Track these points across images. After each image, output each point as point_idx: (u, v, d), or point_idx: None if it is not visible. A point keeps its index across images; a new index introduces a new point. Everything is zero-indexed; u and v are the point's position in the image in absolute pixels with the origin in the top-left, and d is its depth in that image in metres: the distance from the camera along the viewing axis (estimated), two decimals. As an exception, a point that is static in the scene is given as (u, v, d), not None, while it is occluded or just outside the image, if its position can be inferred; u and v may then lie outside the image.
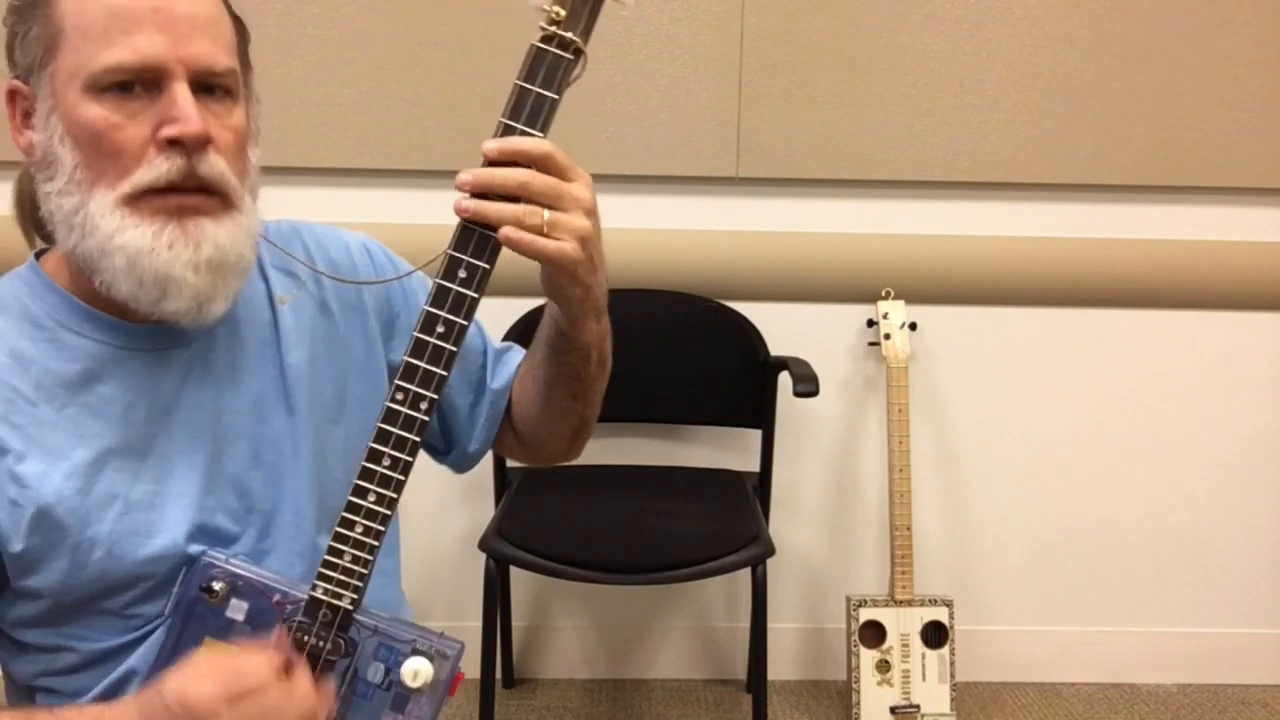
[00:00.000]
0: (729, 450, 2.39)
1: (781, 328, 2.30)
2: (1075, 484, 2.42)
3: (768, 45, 2.20)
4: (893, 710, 2.23)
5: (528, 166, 0.88)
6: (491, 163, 0.89)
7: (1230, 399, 2.39)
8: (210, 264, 0.90)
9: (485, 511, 2.22)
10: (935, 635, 2.25)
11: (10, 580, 0.93)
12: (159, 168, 0.87)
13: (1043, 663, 2.49)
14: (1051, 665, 2.49)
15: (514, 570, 2.29)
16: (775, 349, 2.28)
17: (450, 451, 1.21)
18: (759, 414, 2.28)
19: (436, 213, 2.23)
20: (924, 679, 2.24)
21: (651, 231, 2.27)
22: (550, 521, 2.05)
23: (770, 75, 2.21)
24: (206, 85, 0.90)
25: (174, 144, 0.88)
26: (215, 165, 0.90)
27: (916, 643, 2.24)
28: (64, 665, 0.97)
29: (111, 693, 0.97)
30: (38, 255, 0.99)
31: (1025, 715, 2.38)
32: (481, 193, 0.88)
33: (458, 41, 2.18)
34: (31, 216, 0.98)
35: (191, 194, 0.89)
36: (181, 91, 0.88)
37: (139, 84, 0.87)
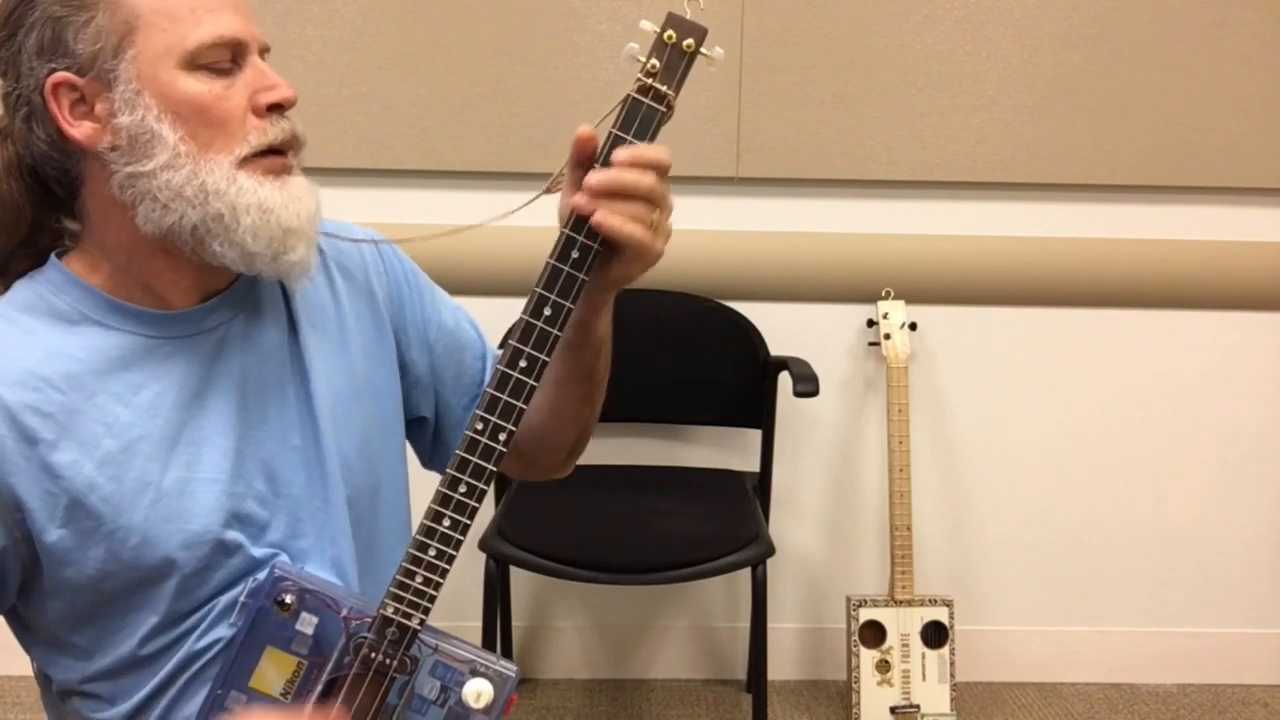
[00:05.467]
0: (729, 450, 2.39)
1: (781, 328, 2.30)
2: (1075, 484, 2.42)
3: (768, 45, 2.20)
4: (893, 710, 2.23)
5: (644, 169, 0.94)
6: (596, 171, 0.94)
7: (1230, 399, 2.39)
8: (314, 216, 0.98)
9: (485, 511, 2.22)
10: (935, 635, 2.25)
11: (45, 571, 0.94)
12: (272, 130, 0.95)
13: (1043, 663, 2.49)
14: (1051, 665, 2.49)
15: (514, 570, 2.29)
16: (775, 349, 2.28)
17: (436, 456, 1.22)
18: (759, 414, 2.28)
19: (437, 213, 2.25)
20: (924, 679, 2.24)
21: (651, 231, 2.26)
22: (550, 521, 2.05)
23: (770, 75, 2.21)
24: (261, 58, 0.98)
25: (274, 109, 0.95)
26: (300, 125, 0.98)
27: (916, 643, 2.24)
28: (104, 668, 0.98)
29: (153, 697, 0.98)
30: (59, 255, 1.00)
31: (1025, 715, 2.38)
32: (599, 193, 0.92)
33: (458, 41, 2.18)
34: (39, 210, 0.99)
35: (286, 156, 0.97)
36: (263, 63, 0.96)
37: (231, 58, 0.94)
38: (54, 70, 0.91)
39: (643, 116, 0.94)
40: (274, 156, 0.96)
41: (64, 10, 0.90)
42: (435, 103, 2.20)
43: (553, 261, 0.93)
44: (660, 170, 0.94)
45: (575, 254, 0.93)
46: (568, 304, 0.94)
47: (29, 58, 0.91)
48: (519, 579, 2.40)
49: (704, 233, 2.29)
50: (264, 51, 0.98)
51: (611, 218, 0.91)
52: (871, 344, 2.33)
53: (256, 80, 0.95)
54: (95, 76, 0.91)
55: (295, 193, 0.96)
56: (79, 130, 0.92)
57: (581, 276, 0.93)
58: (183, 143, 0.91)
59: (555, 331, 0.94)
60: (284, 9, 2.15)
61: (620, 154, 0.93)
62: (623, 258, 0.96)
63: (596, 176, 0.92)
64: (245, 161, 0.94)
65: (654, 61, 0.93)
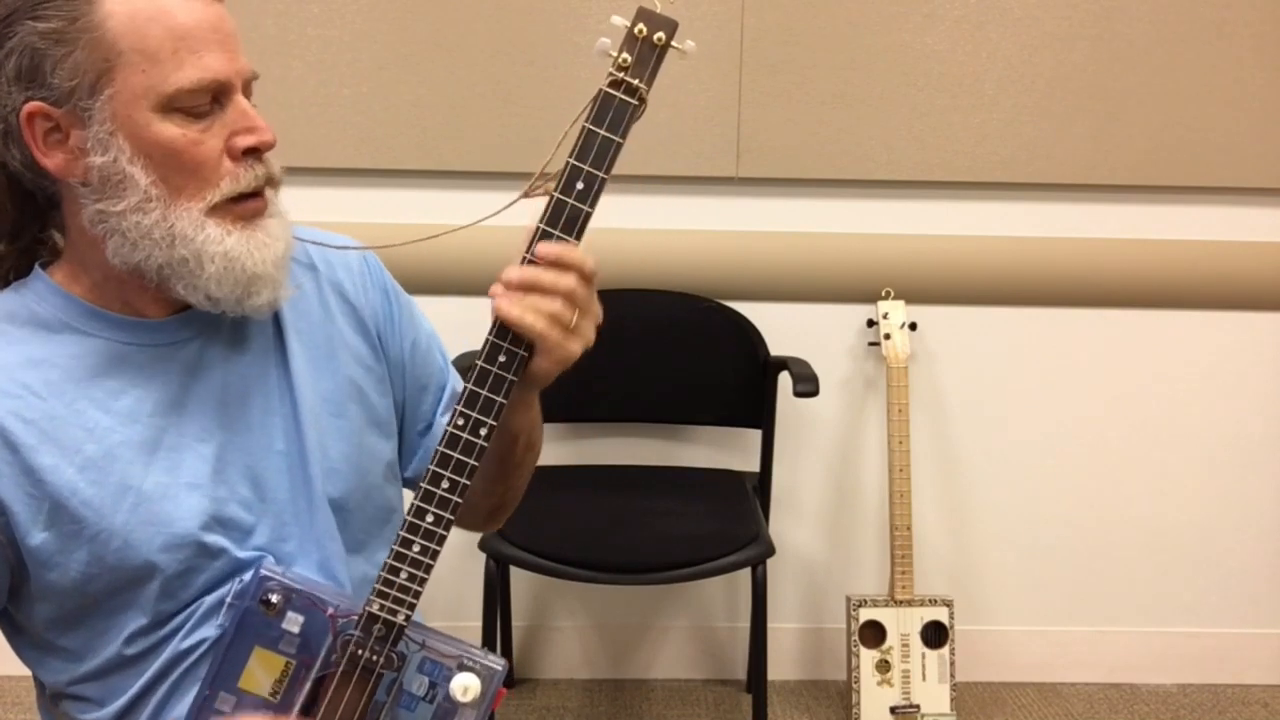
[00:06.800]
0: (729, 450, 2.39)
1: (781, 328, 2.30)
2: (1075, 484, 2.42)
3: (768, 45, 2.20)
4: (893, 710, 2.23)
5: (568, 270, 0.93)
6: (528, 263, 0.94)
7: (1230, 399, 2.39)
8: (282, 259, 0.97)
9: (485, 511, 2.22)
10: (935, 635, 2.25)
11: (30, 575, 0.94)
12: (245, 177, 0.94)
13: (1043, 663, 2.49)
14: (1051, 665, 2.49)
15: (514, 570, 2.29)
16: (775, 349, 2.28)
17: None
18: (759, 414, 2.28)
19: (437, 213, 2.25)
20: (924, 679, 2.24)
21: (651, 231, 2.27)
22: (550, 521, 2.05)
23: (770, 75, 2.21)
24: (245, 91, 0.96)
25: (250, 152, 0.94)
26: (276, 166, 0.97)
27: (916, 643, 2.24)
28: (91, 669, 0.98)
29: (141, 698, 0.98)
30: (43, 266, 1.00)
31: (1025, 715, 2.38)
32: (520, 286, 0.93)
33: (458, 41, 2.18)
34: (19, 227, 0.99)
35: (261, 198, 0.96)
36: (245, 103, 0.94)
37: (212, 98, 0.92)
38: (30, 99, 0.89)
39: (615, 111, 0.94)
40: (248, 201, 0.95)
41: (43, 43, 0.88)
42: (435, 103, 2.20)
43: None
44: (582, 274, 0.94)
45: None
46: (521, 351, 0.94)
47: (7, 81, 0.90)
48: (519, 579, 2.40)
49: (704, 233, 2.29)
50: (251, 81, 0.96)
51: (513, 308, 0.92)
52: (871, 344, 2.33)
53: (236, 121, 0.93)
54: (71, 110, 0.90)
55: (263, 238, 0.95)
56: (52, 160, 0.91)
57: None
58: (154, 186, 0.91)
59: (522, 352, 0.95)
60: (284, 9, 2.15)
61: (543, 249, 0.93)
62: (537, 354, 0.95)
63: (515, 272, 0.93)
64: (216, 209, 0.93)
65: (625, 55, 0.94)
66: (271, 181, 0.97)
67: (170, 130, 0.90)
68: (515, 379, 0.94)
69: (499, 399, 0.95)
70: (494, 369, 0.94)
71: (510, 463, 1.10)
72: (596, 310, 0.97)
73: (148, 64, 0.88)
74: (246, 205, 0.95)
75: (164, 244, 0.92)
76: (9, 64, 0.89)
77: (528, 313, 0.92)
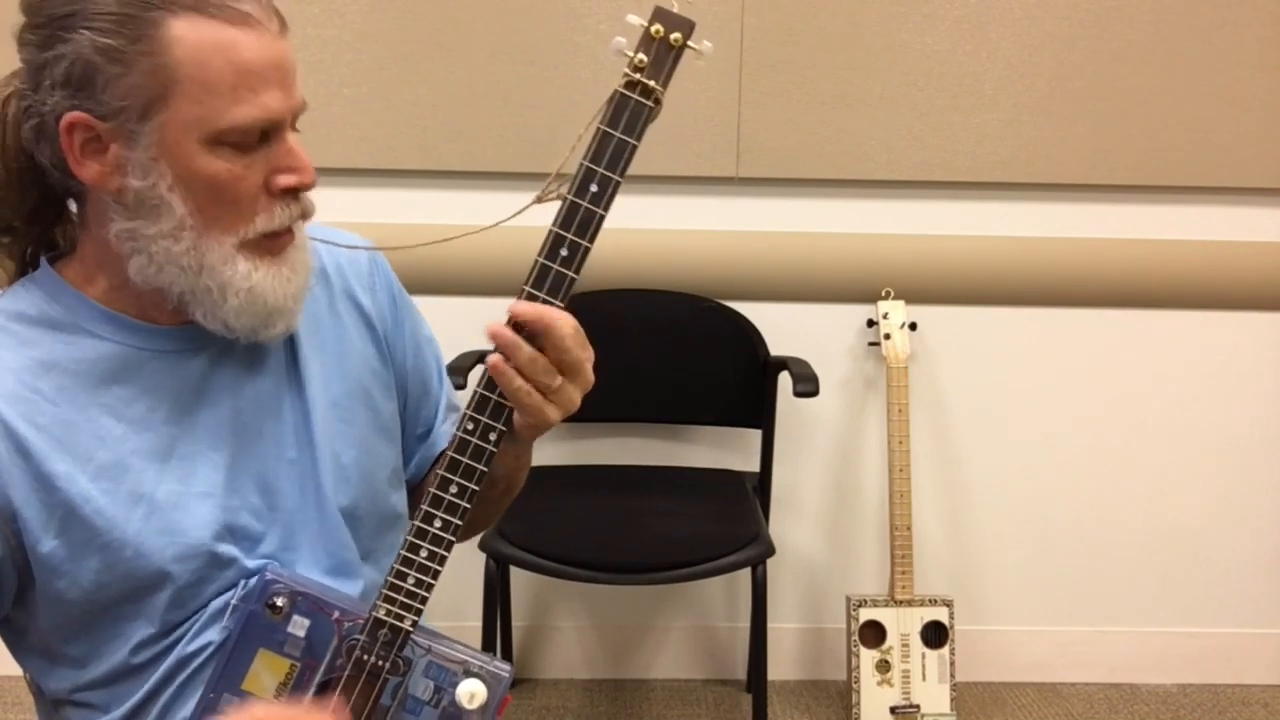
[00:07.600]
0: (729, 450, 2.39)
1: (781, 328, 2.30)
2: (1075, 484, 2.42)
3: (768, 45, 2.20)
4: (893, 710, 2.23)
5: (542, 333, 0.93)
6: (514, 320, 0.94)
7: (1230, 399, 2.39)
8: (301, 292, 0.97)
9: (485, 511, 2.22)
10: (935, 635, 2.25)
11: (38, 582, 0.93)
12: (280, 215, 0.92)
13: (1043, 663, 2.49)
14: (1051, 665, 2.49)
15: (514, 570, 2.29)
16: (775, 349, 2.28)
17: None
18: (759, 414, 2.28)
19: (437, 213, 2.25)
20: (924, 679, 2.24)
21: (651, 231, 2.26)
22: (550, 521, 2.05)
23: (770, 75, 2.21)
24: (293, 122, 0.95)
25: (289, 191, 0.92)
26: (310, 201, 0.96)
27: (916, 643, 2.24)
28: (96, 677, 0.98)
29: (145, 703, 0.98)
30: (51, 261, 0.98)
31: (1025, 715, 2.38)
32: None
33: (458, 41, 2.18)
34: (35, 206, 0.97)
35: (290, 233, 0.95)
36: (294, 140, 0.93)
37: (261, 134, 0.90)
38: (75, 109, 0.86)
39: (630, 113, 0.93)
40: (278, 237, 0.94)
41: (99, 58, 0.85)
42: (435, 103, 2.20)
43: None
44: (573, 339, 0.94)
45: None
46: (558, 302, 0.94)
47: (52, 82, 0.87)
48: (519, 579, 2.40)
49: (704, 233, 2.29)
50: (300, 112, 0.94)
51: (498, 360, 0.92)
52: (871, 344, 2.33)
53: (280, 158, 0.92)
54: (116, 127, 0.87)
55: (287, 273, 0.94)
56: (86, 171, 0.89)
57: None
58: (190, 216, 0.89)
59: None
60: (284, 9, 2.14)
61: (519, 310, 0.92)
62: (516, 411, 0.96)
63: (496, 327, 0.92)
64: (247, 243, 0.92)
65: (641, 56, 0.92)
66: (304, 216, 0.96)
67: (216, 165, 0.88)
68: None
69: (509, 403, 0.95)
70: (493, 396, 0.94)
71: (488, 501, 1.10)
72: (587, 376, 0.96)
73: (204, 95, 0.86)
74: (276, 241, 0.94)
75: (190, 272, 0.90)
76: (58, 67, 0.86)
77: (509, 369, 0.93)
